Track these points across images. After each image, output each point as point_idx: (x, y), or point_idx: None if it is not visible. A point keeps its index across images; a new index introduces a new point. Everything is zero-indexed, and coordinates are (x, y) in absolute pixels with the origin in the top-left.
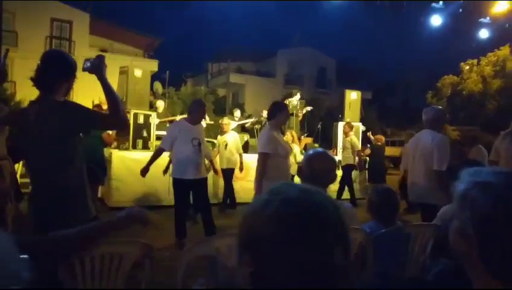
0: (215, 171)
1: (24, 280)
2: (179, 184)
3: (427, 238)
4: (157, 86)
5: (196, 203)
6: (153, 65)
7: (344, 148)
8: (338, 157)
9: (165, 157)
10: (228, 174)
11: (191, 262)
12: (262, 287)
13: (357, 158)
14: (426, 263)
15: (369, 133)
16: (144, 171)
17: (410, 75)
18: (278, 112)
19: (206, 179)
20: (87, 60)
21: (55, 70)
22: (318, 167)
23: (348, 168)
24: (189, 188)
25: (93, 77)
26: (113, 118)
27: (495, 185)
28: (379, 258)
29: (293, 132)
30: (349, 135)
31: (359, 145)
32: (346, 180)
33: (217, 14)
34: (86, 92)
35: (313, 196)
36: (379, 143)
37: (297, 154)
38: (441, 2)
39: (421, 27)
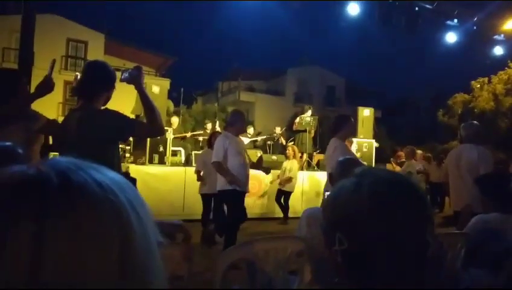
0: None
1: (160, 244)
2: (236, 197)
3: (459, 247)
4: (168, 104)
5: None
6: (166, 83)
7: None
8: None
9: (182, 171)
10: None
11: (228, 265)
12: (353, 263)
13: None
14: (458, 273)
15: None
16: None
17: (420, 94)
18: (344, 124)
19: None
20: (125, 70)
21: (99, 80)
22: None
23: None
24: (242, 200)
25: (122, 88)
26: (151, 125)
27: None
28: None
29: (294, 147)
30: None
31: None
32: None
33: (226, 34)
34: (116, 103)
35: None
36: (403, 160)
37: (293, 170)
38: (455, 20)
39: (433, 45)
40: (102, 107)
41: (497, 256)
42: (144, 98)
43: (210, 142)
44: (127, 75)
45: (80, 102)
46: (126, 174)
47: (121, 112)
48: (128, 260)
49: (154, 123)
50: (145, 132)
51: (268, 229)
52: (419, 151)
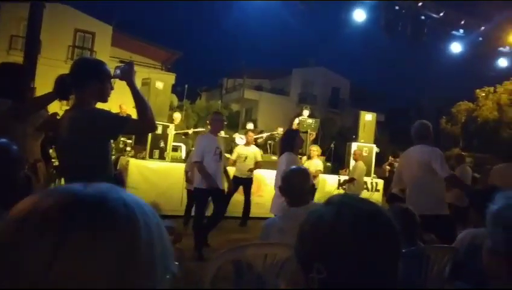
0: None
1: (172, 273)
2: None
3: (445, 260)
4: (173, 98)
5: None
6: (171, 78)
7: (246, 158)
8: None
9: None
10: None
11: (219, 268)
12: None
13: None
14: (444, 285)
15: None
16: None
17: (425, 100)
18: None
19: None
20: (117, 67)
21: (86, 69)
22: (296, 182)
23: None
24: None
25: (120, 84)
26: (142, 122)
27: None
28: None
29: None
30: (251, 144)
31: (260, 157)
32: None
33: (233, 32)
34: (112, 97)
35: (379, 207)
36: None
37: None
38: (461, 30)
39: (439, 53)
40: (96, 105)
41: (482, 271)
42: (135, 94)
43: (285, 144)
44: (118, 71)
45: (73, 101)
46: (116, 175)
47: (109, 110)
48: (130, 267)
49: (144, 119)
50: (136, 128)
51: None
52: None
